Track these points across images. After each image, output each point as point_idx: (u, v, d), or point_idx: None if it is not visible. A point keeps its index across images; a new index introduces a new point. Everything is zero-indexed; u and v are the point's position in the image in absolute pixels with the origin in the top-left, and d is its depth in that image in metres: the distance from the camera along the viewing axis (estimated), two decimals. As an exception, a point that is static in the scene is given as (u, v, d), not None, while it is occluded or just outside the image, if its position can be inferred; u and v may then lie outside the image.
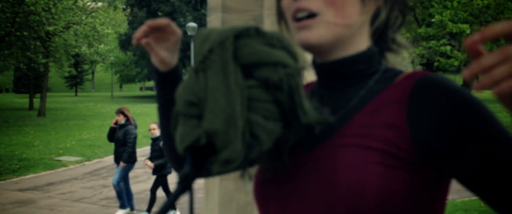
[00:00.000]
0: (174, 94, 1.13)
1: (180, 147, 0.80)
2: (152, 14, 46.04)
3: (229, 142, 0.77)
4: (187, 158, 0.79)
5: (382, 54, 1.04)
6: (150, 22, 1.08)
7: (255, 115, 0.80)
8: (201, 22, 41.85)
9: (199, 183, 11.45)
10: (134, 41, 1.08)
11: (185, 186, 0.77)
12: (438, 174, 0.89)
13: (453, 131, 0.84)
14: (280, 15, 1.07)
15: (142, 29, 1.08)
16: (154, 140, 8.57)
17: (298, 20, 0.97)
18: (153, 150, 8.57)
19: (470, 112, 0.85)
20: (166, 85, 1.16)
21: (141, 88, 78.99)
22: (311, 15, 0.95)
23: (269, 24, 3.37)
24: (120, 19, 42.26)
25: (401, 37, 1.05)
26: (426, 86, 0.89)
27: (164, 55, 1.12)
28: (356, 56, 0.98)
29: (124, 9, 45.71)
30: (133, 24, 46.27)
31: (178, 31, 1.13)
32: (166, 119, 1.18)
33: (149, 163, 8.44)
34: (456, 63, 22.63)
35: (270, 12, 3.38)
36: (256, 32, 0.84)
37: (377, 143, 0.88)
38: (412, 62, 1.07)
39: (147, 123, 24.19)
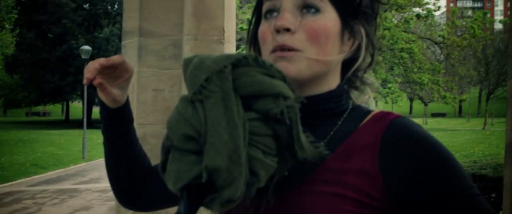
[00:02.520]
0: (125, 130, 1.12)
1: (175, 185, 0.75)
2: (42, 36, 44.23)
3: (232, 180, 0.73)
4: (183, 196, 0.74)
5: (348, 92, 1.04)
6: (103, 61, 1.02)
7: (255, 150, 0.76)
8: (94, 45, 40.75)
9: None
10: (85, 82, 1.02)
11: None
12: None
13: (426, 180, 0.86)
14: (252, 41, 1.05)
15: (94, 67, 1.01)
16: None
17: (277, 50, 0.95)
18: None
19: (441, 161, 0.88)
20: (117, 122, 1.11)
21: (27, 114, 75.22)
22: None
23: (188, 49, 3.30)
24: (7, 41, 40.12)
25: (368, 76, 1.06)
26: (397, 132, 0.90)
27: (116, 94, 1.07)
28: (327, 94, 0.98)
29: (12, 30, 43.39)
30: (21, 45, 44.14)
31: (132, 69, 1.08)
32: (115, 156, 1.14)
33: None
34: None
35: (190, 37, 3.31)
36: (254, 61, 0.81)
37: (350, 192, 0.88)
38: (375, 99, 1.09)
39: (36, 151, 22.98)
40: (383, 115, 0.94)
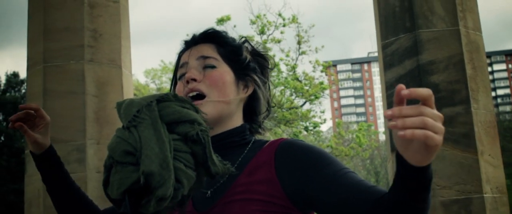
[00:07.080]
0: (57, 173, 1.33)
1: (118, 190, 0.90)
2: None
3: (164, 181, 0.88)
4: (125, 199, 0.89)
5: (251, 129, 1.32)
6: (21, 106, 1.27)
7: (178, 163, 0.92)
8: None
9: None
10: (10, 125, 1.24)
11: None
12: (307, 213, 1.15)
13: (309, 175, 1.11)
14: None
15: (18, 113, 1.25)
16: None
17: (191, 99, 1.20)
18: None
19: (320, 156, 1.14)
20: (46, 166, 1.32)
21: None
22: (201, 96, 1.23)
23: (92, 153, 3.56)
24: None
25: (267, 123, 1.36)
26: (285, 147, 1.17)
27: (36, 136, 1.27)
28: (232, 130, 1.25)
29: None
30: None
31: (47, 117, 1.30)
32: (59, 195, 1.34)
33: None
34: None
35: (93, 141, 3.56)
36: (174, 97, 0.99)
37: (258, 195, 1.12)
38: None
39: None
40: (277, 140, 1.20)
